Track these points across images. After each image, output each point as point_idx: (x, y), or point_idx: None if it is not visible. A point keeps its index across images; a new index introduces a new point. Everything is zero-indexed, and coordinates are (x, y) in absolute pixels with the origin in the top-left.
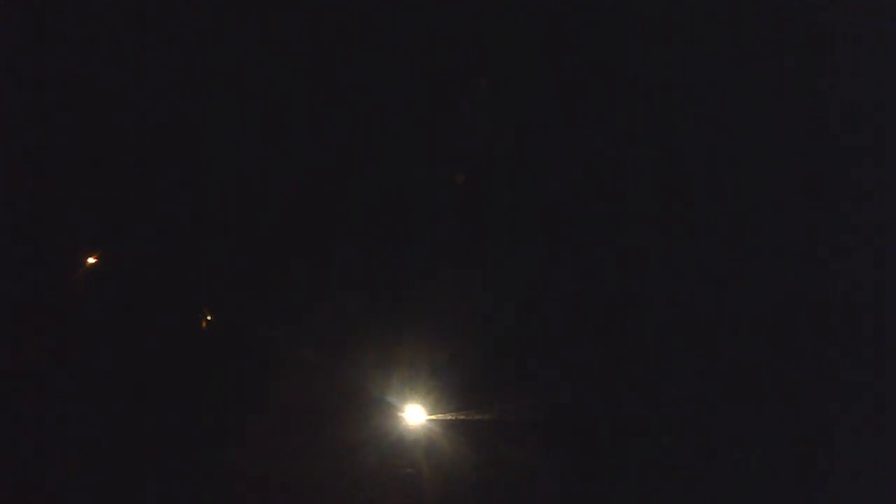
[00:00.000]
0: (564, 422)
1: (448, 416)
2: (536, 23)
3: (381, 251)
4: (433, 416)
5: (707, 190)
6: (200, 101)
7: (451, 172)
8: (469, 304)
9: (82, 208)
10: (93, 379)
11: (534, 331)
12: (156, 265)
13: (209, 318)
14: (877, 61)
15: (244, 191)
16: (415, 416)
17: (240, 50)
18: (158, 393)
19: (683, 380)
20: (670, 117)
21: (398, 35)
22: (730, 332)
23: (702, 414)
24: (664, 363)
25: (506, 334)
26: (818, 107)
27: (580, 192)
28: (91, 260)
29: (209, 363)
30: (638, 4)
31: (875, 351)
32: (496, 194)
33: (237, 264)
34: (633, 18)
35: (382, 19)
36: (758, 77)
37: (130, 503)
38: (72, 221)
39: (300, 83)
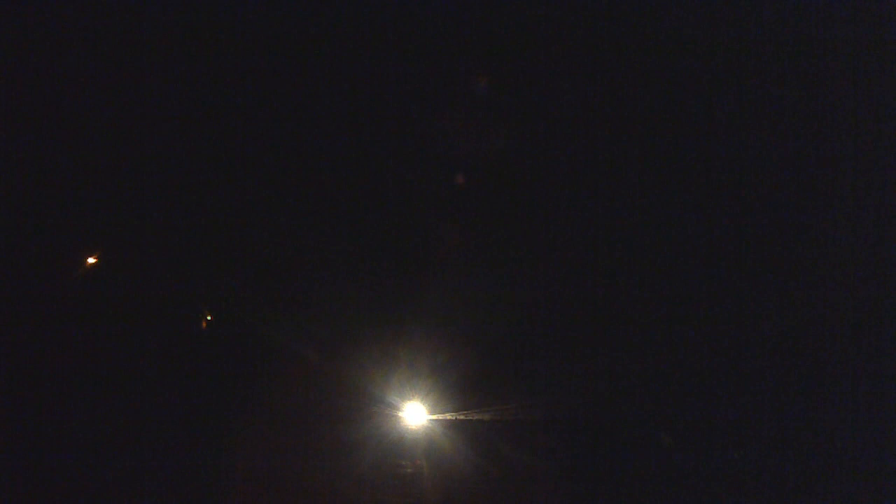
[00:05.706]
0: (564, 422)
1: (448, 416)
2: (536, 23)
3: (382, 251)
4: (433, 416)
5: (707, 190)
6: (200, 100)
7: (451, 172)
8: (469, 304)
9: (82, 208)
10: (93, 379)
11: (534, 331)
12: (156, 265)
13: (209, 318)
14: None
15: (244, 190)
16: (415, 416)
17: (241, 49)
18: (158, 393)
19: (683, 379)
20: (670, 118)
21: (397, 35)
22: (730, 331)
23: (702, 413)
24: (664, 362)
25: (506, 334)
26: (817, 107)
27: (580, 193)
28: (91, 260)
29: (209, 363)
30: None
31: (875, 351)
32: (496, 194)
33: (237, 264)
34: (633, 19)
35: (382, 19)
36: (757, 78)
37: (130, 503)
38: (72, 221)
39: (299, 83)
